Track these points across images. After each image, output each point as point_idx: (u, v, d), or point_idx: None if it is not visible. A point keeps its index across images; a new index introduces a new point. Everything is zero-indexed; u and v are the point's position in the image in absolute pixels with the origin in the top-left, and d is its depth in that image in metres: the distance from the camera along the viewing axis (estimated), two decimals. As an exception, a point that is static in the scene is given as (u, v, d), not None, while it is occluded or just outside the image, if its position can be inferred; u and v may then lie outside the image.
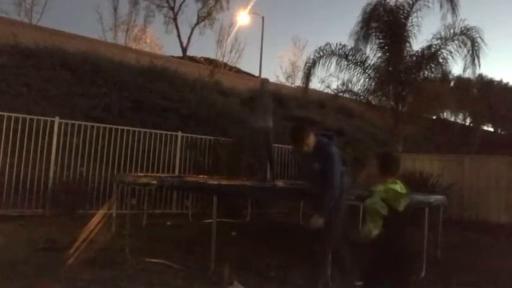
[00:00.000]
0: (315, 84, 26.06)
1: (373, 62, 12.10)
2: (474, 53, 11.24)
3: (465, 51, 11.34)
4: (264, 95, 7.27)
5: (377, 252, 3.14)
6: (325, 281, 4.16)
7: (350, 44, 12.11)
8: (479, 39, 11.19)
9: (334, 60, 11.99)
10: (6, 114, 7.56)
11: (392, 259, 3.09)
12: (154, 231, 6.83)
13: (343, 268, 4.12)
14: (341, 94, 13.12)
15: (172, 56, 24.43)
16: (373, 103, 12.76)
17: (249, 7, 27.09)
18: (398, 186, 3.11)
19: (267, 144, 7.08)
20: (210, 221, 5.00)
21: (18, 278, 4.02)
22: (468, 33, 11.26)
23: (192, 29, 28.87)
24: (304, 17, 48.92)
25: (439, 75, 12.42)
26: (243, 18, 27.12)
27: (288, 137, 4.44)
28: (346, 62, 12.03)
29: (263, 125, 6.97)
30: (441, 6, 11.47)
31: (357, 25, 12.09)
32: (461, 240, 7.70)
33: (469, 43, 11.25)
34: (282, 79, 29.40)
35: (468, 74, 12.23)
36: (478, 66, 11.42)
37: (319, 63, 12.09)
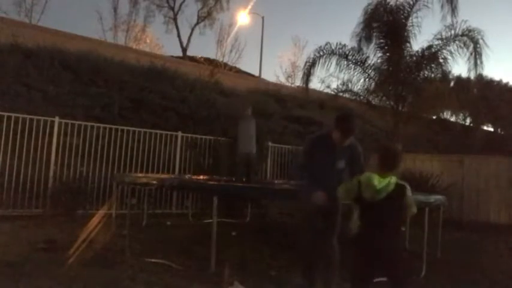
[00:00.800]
0: (315, 84, 26.11)
1: (373, 61, 12.11)
2: (477, 55, 11.24)
3: (467, 52, 11.35)
4: (248, 121, 7.53)
5: (356, 247, 3.17)
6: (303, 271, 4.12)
7: (352, 44, 12.12)
8: (481, 41, 11.20)
9: (334, 60, 11.99)
10: (6, 114, 7.56)
11: (371, 255, 3.09)
12: (154, 231, 6.83)
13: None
14: (341, 94, 13.12)
15: (172, 56, 24.43)
16: (373, 103, 12.76)
17: (249, 7, 27.17)
18: (377, 179, 3.10)
19: (248, 168, 7.41)
20: (210, 221, 5.00)
21: (18, 278, 4.02)
22: (470, 34, 11.25)
23: (192, 29, 28.92)
24: (304, 17, 48.92)
25: (439, 75, 12.42)
26: (243, 18, 27.16)
27: (341, 124, 3.75)
28: (346, 62, 12.04)
29: (246, 150, 7.35)
30: (442, 7, 11.46)
31: (358, 26, 12.10)
32: (462, 240, 7.71)
33: (471, 45, 11.24)
34: (282, 79, 29.38)
35: (471, 75, 12.25)
36: (481, 68, 11.44)
37: (319, 62, 12.09)
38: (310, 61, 12.23)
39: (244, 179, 7.37)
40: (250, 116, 7.67)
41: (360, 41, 12.06)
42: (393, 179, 3.14)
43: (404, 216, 3.25)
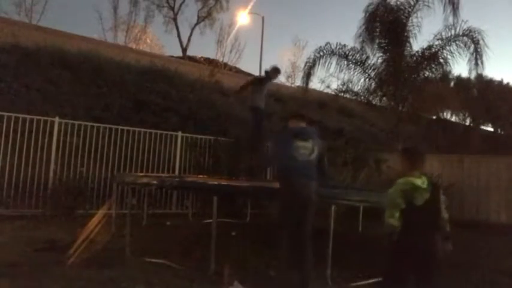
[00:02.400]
0: (315, 84, 26.09)
1: (373, 61, 12.13)
2: (477, 55, 11.24)
3: (467, 52, 11.36)
4: (264, 80, 7.57)
5: (395, 247, 3.14)
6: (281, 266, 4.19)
7: (355, 46, 12.12)
8: (481, 41, 11.20)
9: (334, 60, 12.03)
10: (6, 114, 7.56)
11: (409, 255, 3.08)
12: (154, 231, 6.83)
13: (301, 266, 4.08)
14: (341, 94, 13.14)
15: (172, 56, 24.39)
16: (373, 103, 12.78)
17: (249, 7, 27.05)
18: (420, 181, 3.11)
19: (258, 123, 7.34)
20: (210, 221, 5.00)
21: (18, 278, 4.02)
22: (471, 34, 11.25)
23: (192, 29, 28.86)
24: (304, 17, 48.89)
25: (439, 75, 12.44)
26: (243, 18, 27.09)
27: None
28: (346, 62, 12.06)
29: (255, 104, 7.40)
30: (444, 8, 11.44)
31: (360, 27, 12.10)
32: (462, 240, 7.68)
33: (472, 45, 11.24)
34: (282, 79, 29.28)
35: (472, 75, 12.28)
36: (481, 68, 11.44)
37: (319, 62, 12.12)
38: (311, 61, 12.26)
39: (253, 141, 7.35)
40: (269, 79, 7.67)
41: (362, 41, 12.08)
42: (425, 177, 3.17)
43: (441, 220, 3.22)
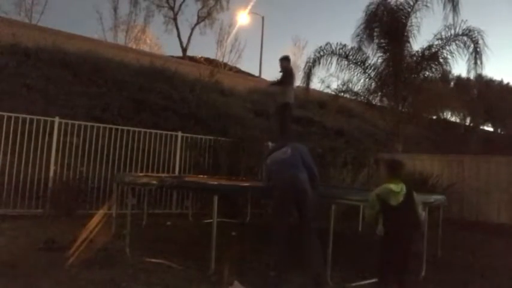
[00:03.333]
0: (315, 84, 26.04)
1: (373, 61, 12.11)
2: (477, 55, 11.23)
3: (467, 52, 11.33)
4: (288, 75, 7.79)
5: (383, 240, 3.72)
6: (277, 264, 4.39)
7: (353, 45, 12.10)
8: (481, 41, 11.18)
9: (334, 60, 12.01)
10: (6, 114, 7.56)
11: (396, 244, 3.67)
12: (154, 231, 6.83)
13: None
14: (341, 94, 13.12)
15: (172, 56, 24.38)
16: (373, 103, 12.77)
17: (249, 7, 27.10)
18: (394, 186, 3.72)
19: (283, 117, 7.60)
20: (210, 221, 5.00)
21: (18, 278, 4.02)
22: (470, 34, 11.24)
23: (192, 29, 28.85)
24: (304, 17, 48.89)
25: (439, 75, 12.42)
26: (243, 18, 27.16)
27: None
28: (346, 62, 12.04)
29: (282, 100, 7.63)
30: (444, 7, 11.42)
31: (359, 27, 12.09)
32: (461, 240, 7.70)
33: (471, 45, 11.23)
34: (282, 79, 29.24)
35: (471, 75, 12.25)
36: (480, 68, 11.42)
37: (319, 62, 12.10)
38: (311, 61, 12.24)
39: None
40: (291, 72, 7.83)
41: (360, 41, 12.06)
42: (402, 184, 3.78)
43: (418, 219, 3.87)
